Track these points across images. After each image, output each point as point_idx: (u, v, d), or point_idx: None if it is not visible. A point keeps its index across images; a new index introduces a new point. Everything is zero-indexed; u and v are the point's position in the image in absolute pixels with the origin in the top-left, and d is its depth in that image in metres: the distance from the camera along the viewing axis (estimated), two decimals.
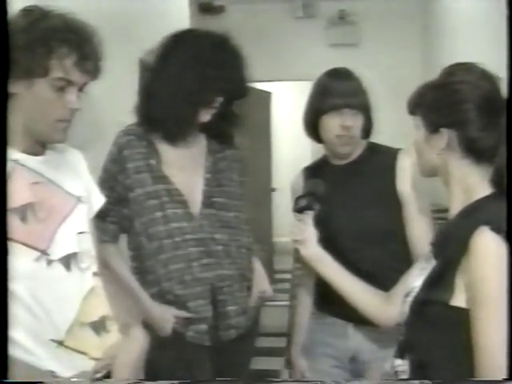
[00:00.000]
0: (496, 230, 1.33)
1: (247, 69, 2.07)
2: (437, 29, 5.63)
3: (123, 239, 2.12)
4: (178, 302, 2.01)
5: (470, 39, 4.23)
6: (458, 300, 1.36)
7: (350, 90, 2.14)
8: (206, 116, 2.02)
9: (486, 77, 1.48)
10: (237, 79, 2.03)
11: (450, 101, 1.46)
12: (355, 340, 2.17)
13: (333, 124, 2.12)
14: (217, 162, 2.12)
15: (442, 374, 1.37)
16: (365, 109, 2.16)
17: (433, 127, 1.48)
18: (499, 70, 1.47)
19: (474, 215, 1.41)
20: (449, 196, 1.52)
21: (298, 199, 1.90)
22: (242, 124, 2.15)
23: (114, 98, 2.79)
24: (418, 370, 1.44)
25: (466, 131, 1.44)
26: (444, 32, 5.30)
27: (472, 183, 1.47)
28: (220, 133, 2.12)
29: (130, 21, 3.29)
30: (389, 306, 1.73)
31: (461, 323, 1.35)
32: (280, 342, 5.05)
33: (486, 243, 1.33)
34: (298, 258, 2.04)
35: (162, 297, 2.01)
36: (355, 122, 2.12)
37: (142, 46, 3.21)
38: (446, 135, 1.46)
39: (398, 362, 1.49)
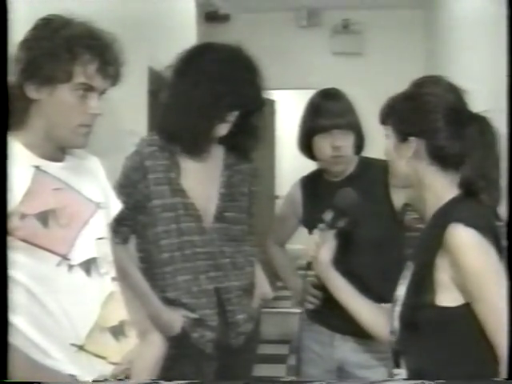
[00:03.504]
0: (469, 225, 1.38)
1: (261, 81, 2.07)
2: (440, 38, 5.66)
3: (132, 240, 2.14)
4: (185, 308, 2.03)
5: (472, 48, 4.26)
6: (444, 299, 1.41)
7: (338, 110, 2.18)
8: (222, 130, 2.03)
9: (453, 89, 1.55)
10: (250, 93, 2.03)
11: (418, 111, 1.52)
12: (341, 351, 2.21)
13: (324, 145, 2.17)
14: (232, 176, 2.13)
15: (438, 376, 1.40)
16: (354, 127, 2.20)
17: (402, 136, 1.55)
18: (501, 77, 1.51)
19: (443, 216, 1.46)
20: (421, 203, 1.57)
21: (324, 213, 1.88)
22: (262, 137, 2.16)
23: (126, 105, 2.81)
24: (415, 376, 1.47)
25: (433, 140, 1.51)
26: (447, 41, 5.32)
27: (440, 188, 1.52)
28: (238, 145, 2.13)
29: (136, 30, 3.31)
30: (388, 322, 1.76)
31: (450, 322, 1.40)
32: (282, 349, 5.09)
33: (464, 239, 1.38)
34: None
35: (168, 302, 2.03)
36: (345, 141, 2.17)
37: (149, 54, 3.25)
38: (413, 143, 1.52)
39: (397, 371, 1.53)
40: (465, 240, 1.38)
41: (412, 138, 1.52)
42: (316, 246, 1.85)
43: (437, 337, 1.42)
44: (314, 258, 1.86)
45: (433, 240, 1.43)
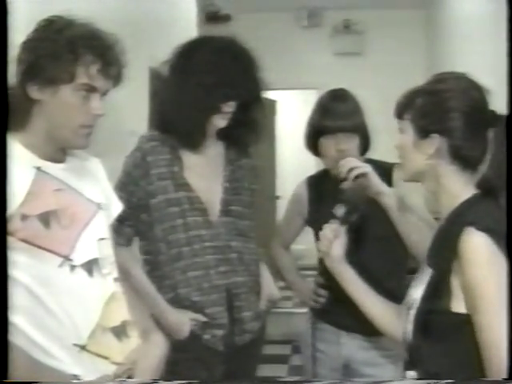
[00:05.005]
0: (482, 229, 1.35)
1: (257, 72, 2.06)
2: (441, 38, 5.66)
3: (135, 243, 2.13)
4: (194, 308, 2.02)
5: (473, 48, 4.26)
6: (458, 305, 1.38)
7: (343, 112, 2.18)
8: (220, 122, 2.03)
9: (476, 87, 1.51)
10: (243, 83, 2.02)
11: (440, 108, 1.48)
12: (348, 348, 2.21)
13: (329, 147, 2.18)
14: (235, 171, 2.13)
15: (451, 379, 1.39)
16: (360, 129, 2.20)
17: (423, 133, 1.51)
18: (500, 76, 1.50)
19: (458, 219, 1.44)
20: (436, 202, 1.54)
21: (337, 206, 1.82)
22: (261, 130, 2.15)
23: (127, 106, 2.81)
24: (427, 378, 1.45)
25: (454, 139, 1.47)
26: (448, 41, 5.33)
27: (457, 188, 1.49)
28: (238, 140, 2.13)
29: (137, 30, 3.32)
30: (400, 321, 1.74)
31: (464, 328, 1.37)
32: (284, 350, 5.09)
33: (474, 244, 1.35)
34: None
35: (178, 302, 2.02)
36: (350, 144, 2.17)
37: (150, 54, 3.25)
38: (436, 141, 1.49)
39: (411, 373, 1.51)
40: (475, 246, 1.35)
41: (434, 135, 1.48)
42: (328, 242, 1.79)
43: (451, 341, 1.41)
44: (325, 253, 1.80)
45: (449, 243, 1.40)
